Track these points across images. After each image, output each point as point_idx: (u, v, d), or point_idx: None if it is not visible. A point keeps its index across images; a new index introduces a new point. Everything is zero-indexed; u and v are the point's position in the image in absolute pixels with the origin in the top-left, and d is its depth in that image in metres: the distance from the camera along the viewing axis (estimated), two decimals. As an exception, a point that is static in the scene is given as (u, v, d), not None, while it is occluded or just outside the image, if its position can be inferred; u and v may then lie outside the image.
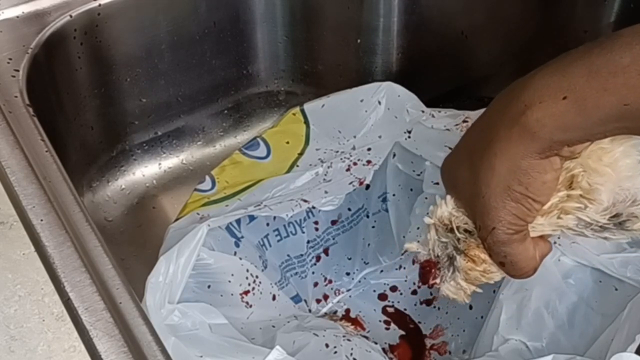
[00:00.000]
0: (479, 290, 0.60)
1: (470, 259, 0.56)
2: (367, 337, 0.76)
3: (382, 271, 0.81)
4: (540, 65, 0.47)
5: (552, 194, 0.50)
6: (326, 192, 0.70)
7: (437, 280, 0.59)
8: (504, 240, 0.51)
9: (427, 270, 0.60)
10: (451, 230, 0.56)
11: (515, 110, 0.46)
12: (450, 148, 0.60)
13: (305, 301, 0.77)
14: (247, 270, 0.68)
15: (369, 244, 0.80)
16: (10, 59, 0.69)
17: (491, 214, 0.50)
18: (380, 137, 0.75)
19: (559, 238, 0.69)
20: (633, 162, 0.50)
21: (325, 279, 0.79)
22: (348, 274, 0.80)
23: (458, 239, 0.56)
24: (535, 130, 0.45)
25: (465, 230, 0.56)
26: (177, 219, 0.69)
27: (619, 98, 0.42)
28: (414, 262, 0.81)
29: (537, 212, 0.50)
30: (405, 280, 0.81)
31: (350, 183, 0.72)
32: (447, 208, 0.56)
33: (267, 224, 0.73)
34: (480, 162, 0.49)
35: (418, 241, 0.61)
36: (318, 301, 0.79)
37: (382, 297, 0.80)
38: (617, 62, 0.41)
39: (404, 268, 0.81)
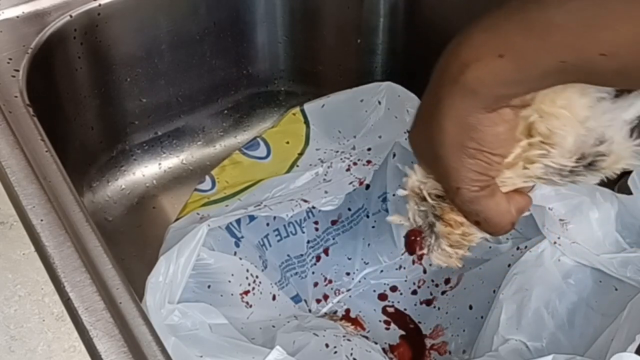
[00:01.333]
0: (468, 253, 0.59)
1: (447, 224, 0.57)
2: (367, 337, 0.76)
3: (382, 271, 0.81)
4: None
5: (511, 146, 0.49)
6: (326, 192, 0.70)
7: (425, 250, 0.59)
8: (471, 198, 0.51)
9: (413, 239, 0.60)
10: (424, 199, 0.56)
11: (455, 69, 0.46)
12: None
13: (305, 301, 0.77)
14: (247, 270, 0.68)
15: (369, 244, 0.80)
16: (10, 59, 0.69)
17: (452, 174, 0.50)
18: (380, 137, 0.75)
19: (559, 238, 0.69)
20: (590, 100, 0.49)
21: (325, 279, 0.79)
22: (348, 274, 0.80)
23: (433, 206, 0.57)
24: (476, 87, 0.45)
25: (437, 196, 0.56)
26: (177, 219, 0.69)
27: (555, 56, 0.42)
28: (414, 262, 0.81)
29: (499, 164, 0.50)
30: (405, 280, 0.81)
31: (350, 183, 0.72)
32: (416, 177, 0.56)
33: (267, 224, 0.73)
34: (431, 124, 0.49)
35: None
36: (318, 301, 0.79)
37: (382, 297, 0.80)
38: (551, 20, 0.41)
39: (404, 268, 0.81)
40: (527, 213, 0.56)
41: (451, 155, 0.49)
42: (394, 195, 0.78)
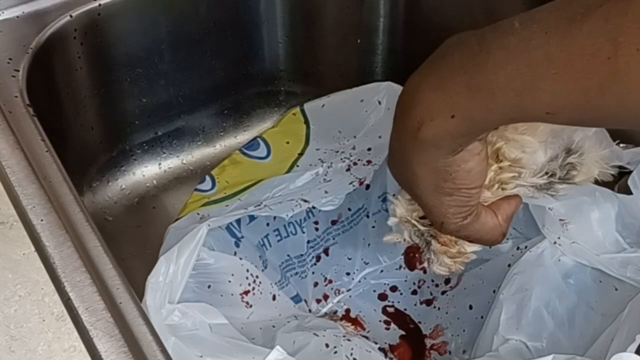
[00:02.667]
0: (472, 257, 0.60)
1: (443, 244, 0.57)
2: (367, 337, 0.76)
3: (382, 271, 0.81)
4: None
5: (485, 172, 0.50)
6: (326, 192, 0.70)
7: (425, 264, 0.60)
8: (457, 228, 0.52)
9: (412, 256, 0.60)
10: (415, 225, 0.57)
11: (411, 126, 0.47)
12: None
13: (305, 301, 0.77)
14: (247, 270, 0.68)
15: (369, 244, 0.80)
16: (10, 59, 0.69)
17: (433, 212, 0.51)
18: (380, 137, 0.75)
19: (559, 238, 0.69)
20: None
21: (325, 279, 0.79)
22: (348, 274, 0.80)
23: (427, 229, 0.57)
24: (436, 142, 0.46)
25: (427, 223, 0.57)
26: (177, 219, 0.69)
27: (503, 115, 0.43)
28: (414, 262, 0.81)
29: (478, 193, 0.50)
30: (405, 280, 0.81)
31: (351, 183, 0.72)
32: (402, 206, 0.57)
33: (267, 224, 0.73)
34: (403, 169, 0.50)
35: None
36: (318, 301, 0.79)
37: (382, 297, 0.80)
38: (493, 84, 0.42)
39: (404, 268, 0.81)
40: (519, 209, 0.56)
41: (428, 196, 0.50)
42: (394, 195, 0.78)
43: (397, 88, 0.76)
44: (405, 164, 0.50)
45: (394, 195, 0.58)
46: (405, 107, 0.48)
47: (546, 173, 0.53)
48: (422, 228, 0.57)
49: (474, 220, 0.52)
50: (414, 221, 0.57)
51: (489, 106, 0.43)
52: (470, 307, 0.76)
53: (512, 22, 0.41)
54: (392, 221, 0.59)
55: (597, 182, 0.57)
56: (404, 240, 0.60)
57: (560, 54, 0.38)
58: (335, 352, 0.67)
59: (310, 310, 0.77)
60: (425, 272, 0.81)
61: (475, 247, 0.59)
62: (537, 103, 0.41)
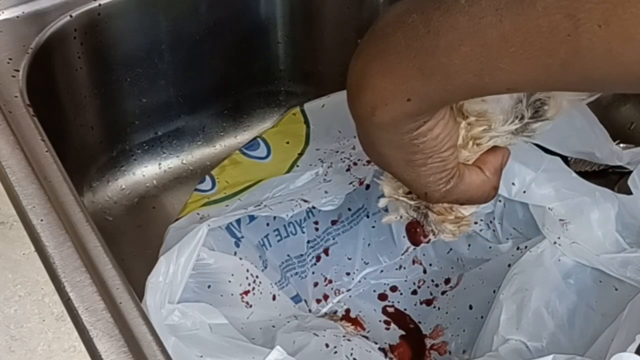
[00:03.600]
0: (472, 219, 0.59)
1: (438, 213, 0.57)
2: (367, 337, 0.76)
3: (382, 271, 0.81)
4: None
5: (456, 134, 0.48)
6: (326, 192, 0.70)
7: (431, 237, 0.59)
8: (442, 195, 0.50)
9: (414, 232, 0.60)
10: (404, 202, 0.57)
11: (364, 112, 0.45)
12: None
13: (305, 301, 0.77)
14: (247, 270, 0.68)
15: (369, 244, 0.80)
16: (10, 59, 0.69)
17: (413, 185, 0.50)
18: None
19: (559, 238, 0.69)
20: None
21: (325, 279, 0.79)
22: (348, 274, 0.80)
23: (418, 203, 0.57)
24: (394, 124, 0.45)
25: (415, 197, 0.56)
26: (177, 219, 0.69)
27: (462, 94, 0.42)
28: (414, 262, 0.81)
29: (453, 155, 0.48)
30: (405, 280, 0.81)
31: (350, 183, 0.71)
32: (388, 185, 0.56)
33: (267, 224, 0.73)
34: (372, 150, 0.49)
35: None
36: (318, 301, 0.79)
37: (382, 297, 0.80)
38: (447, 65, 0.40)
39: (404, 268, 0.81)
40: (509, 161, 0.55)
41: (403, 171, 0.49)
42: (379, 177, 0.78)
43: (397, 88, 0.76)
44: (371, 146, 0.48)
45: (378, 176, 0.57)
46: (355, 93, 0.45)
47: (516, 117, 0.52)
48: (411, 202, 0.56)
49: (457, 182, 0.50)
50: (402, 198, 0.56)
51: (445, 87, 0.41)
52: (470, 307, 0.76)
53: None
54: (382, 202, 0.59)
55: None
56: (401, 217, 0.59)
57: (515, 32, 0.37)
58: (335, 352, 0.67)
59: (310, 310, 0.77)
60: (425, 272, 0.81)
61: (472, 209, 0.57)
62: (497, 82, 0.39)
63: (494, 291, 0.72)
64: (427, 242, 0.60)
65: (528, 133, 0.53)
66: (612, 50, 0.35)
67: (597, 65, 0.36)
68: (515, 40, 0.37)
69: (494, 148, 0.53)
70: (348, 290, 0.80)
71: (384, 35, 0.43)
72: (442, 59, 0.40)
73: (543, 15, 0.36)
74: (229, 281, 0.67)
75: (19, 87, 0.67)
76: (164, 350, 0.49)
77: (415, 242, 0.60)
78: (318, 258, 0.79)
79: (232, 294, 0.67)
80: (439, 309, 0.79)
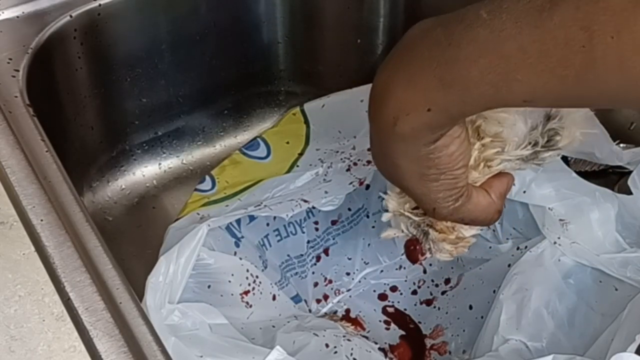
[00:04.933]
0: (472, 241, 0.60)
1: (440, 231, 0.57)
2: (367, 337, 0.76)
3: (382, 271, 0.81)
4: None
5: (469, 154, 0.50)
6: (326, 192, 0.70)
7: (427, 255, 0.60)
8: (449, 212, 0.52)
9: (412, 249, 0.60)
10: (409, 217, 0.57)
11: (386, 122, 0.46)
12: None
13: (305, 301, 0.77)
14: (247, 270, 0.68)
15: (369, 244, 0.80)
16: (10, 59, 0.69)
17: (423, 200, 0.51)
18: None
19: (559, 238, 0.69)
20: None
21: (325, 279, 0.79)
22: (348, 274, 0.80)
23: (422, 220, 0.57)
24: (413, 135, 0.46)
25: (420, 213, 0.56)
26: (177, 219, 0.69)
27: (479, 106, 0.43)
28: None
29: (464, 174, 0.50)
30: (405, 280, 0.81)
31: (350, 183, 0.72)
32: (394, 200, 0.57)
33: (267, 224, 0.73)
34: (386, 162, 0.50)
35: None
36: (318, 301, 0.79)
37: (382, 297, 0.80)
38: (466, 77, 0.41)
39: (404, 268, 0.81)
40: (513, 187, 0.56)
41: (415, 185, 0.50)
42: (384, 192, 0.78)
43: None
44: (386, 157, 0.49)
45: (384, 191, 0.58)
46: (378, 103, 0.47)
47: (529, 143, 0.52)
48: (416, 219, 0.57)
49: (465, 201, 0.52)
50: (407, 213, 0.57)
51: (464, 99, 0.42)
52: (470, 307, 0.76)
53: (479, 13, 0.40)
54: (385, 217, 0.59)
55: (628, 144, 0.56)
56: (402, 232, 0.59)
57: (533, 44, 0.38)
58: (335, 352, 0.67)
59: (310, 310, 0.77)
60: (425, 272, 0.81)
61: (473, 231, 0.58)
62: (514, 93, 0.40)
63: (494, 291, 0.72)
64: (424, 259, 0.61)
65: (538, 161, 0.54)
66: (624, 61, 0.36)
67: (609, 77, 0.37)
68: (532, 51, 0.38)
69: (500, 174, 0.54)
70: (348, 290, 0.80)
71: (409, 48, 0.45)
72: (461, 70, 0.41)
73: (559, 27, 0.37)
74: (229, 281, 0.67)
75: (19, 87, 0.67)
76: (164, 350, 0.49)
77: (413, 260, 0.61)
78: (318, 258, 0.79)
79: (232, 294, 0.67)
80: (439, 309, 0.79)
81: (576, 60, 0.37)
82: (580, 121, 0.54)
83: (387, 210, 0.59)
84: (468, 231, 0.58)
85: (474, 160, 0.51)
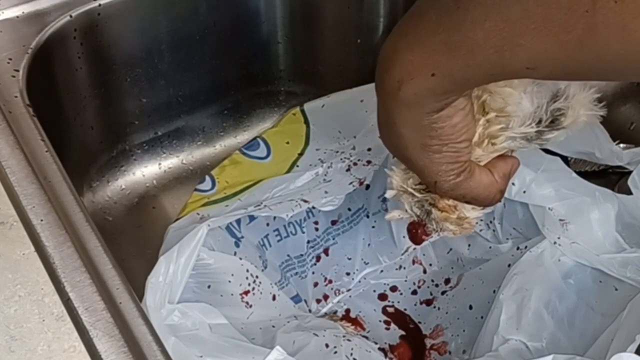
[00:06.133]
0: (474, 222, 0.60)
1: (442, 210, 0.57)
2: (367, 337, 0.76)
3: (382, 271, 0.81)
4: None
5: (473, 128, 0.50)
6: (326, 192, 0.70)
7: (432, 236, 0.60)
8: (450, 187, 0.52)
9: (414, 232, 0.60)
10: (412, 194, 0.57)
11: (391, 87, 0.47)
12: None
13: (305, 301, 0.77)
14: (247, 270, 0.68)
15: (369, 244, 0.80)
16: (10, 59, 0.69)
17: (425, 172, 0.51)
18: (380, 137, 0.75)
19: (559, 238, 0.69)
20: None
21: (325, 279, 0.79)
22: (348, 274, 0.80)
23: (424, 198, 0.57)
24: (417, 100, 0.46)
25: (423, 189, 0.56)
26: (177, 219, 0.69)
27: (483, 72, 0.43)
28: (414, 262, 0.81)
29: (467, 148, 0.50)
30: (405, 280, 0.81)
31: (350, 183, 0.72)
32: (398, 176, 0.57)
33: (267, 224, 0.73)
34: (390, 132, 0.50)
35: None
36: (318, 301, 0.79)
37: (382, 297, 0.80)
38: (472, 40, 0.42)
39: (404, 268, 0.81)
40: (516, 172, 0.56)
41: (417, 156, 0.50)
42: (390, 168, 0.78)
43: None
44: (391, 126, 0.49)
45: (389, 167, 0.58)
46: (384, 68, 0.47)
47: (534, 120, 0.52)
48: (419, 195, 0.57)
49: (467, 177, 0.52)
50: (410, 189, 0.57)
51: (468, 63, 0.43)
52: (470, 307, 0.76)
53: None
54: (389, 193, 0.59)
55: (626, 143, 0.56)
56: (405, 212, 0.59)
57: (537, 9, 0.39)
58: (335, 352, 0.67)
59: (310, 310, 0.77)
60: (425, 272, 0.81)
61: (476, 213, 0.58)
62: (516, 58, 0.41)
63: (494, 291, 0.72)
64: (428, 240, 0.61)
65: (541, 141, 0.54)
66: (626, 26, 0.36)
67: (611, 42, 0.37)
68: (536, 15, 0.39)
69: (505, 156, 0.54)
70: (348, 290, 0.80)
71: (418, 13, 0.45)
72: (467, 32, 0.41)
73: None
74: (229, 281, 0.67)
75: (19, 87, 0.67)
76: (164, 350, 0.49)
77: (417, 242, 0.61)
78: (318, 258, 0.79)
79: (232, 294, 0.67)
80: (439, 309, 0.79)
81: (579, 25, 0.37)
82: (586, 102, 0.54)
83: (391, 188, 0.59)
84: (470, 212, 0.58)
85: (478, 137, 0.51)
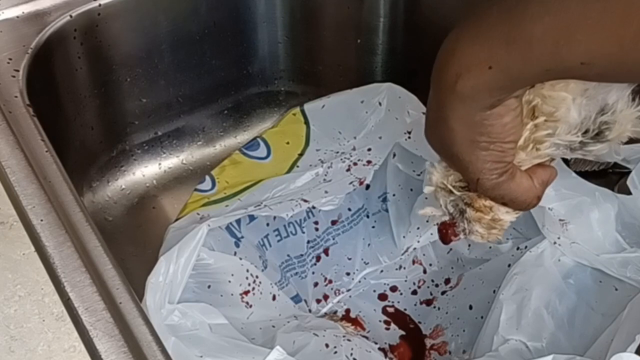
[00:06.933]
0: (506, 225, 0.60)
1: (477, 210, 0.58)
2: (367, 337, 0.76)
3: (382, 271, 0.81)
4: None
5: (520, 130, 0.51)
6: (326, 192, 0.70)
7: (461, 236, 0.60)
8: (492, 185, 0.53)
9: (444, 232, 0.61)
10: (451, 192, 0.57)
11: (449, 79, 0.48)
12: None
13: (305, 301, 0.77)
14: (247, 270, 0.68)
15: (369, 244, 0.80)
16: (10, 59, 0.69)
17: (469, 168, 0.52)
18: (380, 137, 0.75)
19: (559, 238, 0.69)
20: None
21: (325, 279, 0.79)
22: (348, 274, 0.80)
23: (461, 196, 0.58)
24: (472, 94, 0.48)
25: (462, 187, 0.57)
26: (177, 219, 0.69)
27: (539, 66, 0.44)
28: (414, 262, 0.81)
29: (513, 149, 0.52)
30: (405, 280, 0.81)
31: (351, 183, 0.72)
32: (439, 173, 0.57)
33: (267, 224, 0.73)
34: (440, 126, 0.51)
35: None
36: (318, 301, 0.79)
37: (382, 297, 0.80)
38: (531, 35, 0.43)
39: (404, 268, 0.81)
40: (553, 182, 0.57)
41: (464, 151, 0.51)
42: (394, 195, 0.78)
43: (397, 89, 0.76)
44: (442, 121, 0.51)
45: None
46: (443, 60, 0.49)
47: (580, 130, 0.53)
48: (457, 193, 0.58)
49: (509, 178, 0.53)
50: (449, 186, 0.58)
51: (525, 57, 0.44)
52: (470, 307, 0.76)
53: None
54: (427, 189, 0.60)
55: (630, 141, 0.57)
56: (440, 208, 0.60)
57: (596, 4, 0.40)
58: (335, 352, 0.67)
59: (310, 310, 0.77)
60: (425, 272, 0.81)
61: (509, 217, 0.59)
62: (572, 53, 0.42)
63: (494, 291, 0.72)
64: (457, 240, 0.61)
65: (584, 152, 0.55)
66: None
67: None
68: (594, 10, 0.40)
69: (544, 165, 0.55)
70: (348, 290, 0.80)
71: (480, 11, 0.47)
72: (526, 27, 0.43)
73: None
74: (229, 281, 0.67)
75: (19, 87, 0.67)
76: (164, 350, 0.49)
77: (446, 241, 0.62)
78: (318, 258, 0.79)
79: (232, 294, 0.67)
80: (439, 309, 0.79)
81: (635, 19, 0.39)
82: (633, 118, 0.54)
83: (429, 184, 0.59)
84: (505, 215, 0.58)
85: (523, 141, 0.52)
